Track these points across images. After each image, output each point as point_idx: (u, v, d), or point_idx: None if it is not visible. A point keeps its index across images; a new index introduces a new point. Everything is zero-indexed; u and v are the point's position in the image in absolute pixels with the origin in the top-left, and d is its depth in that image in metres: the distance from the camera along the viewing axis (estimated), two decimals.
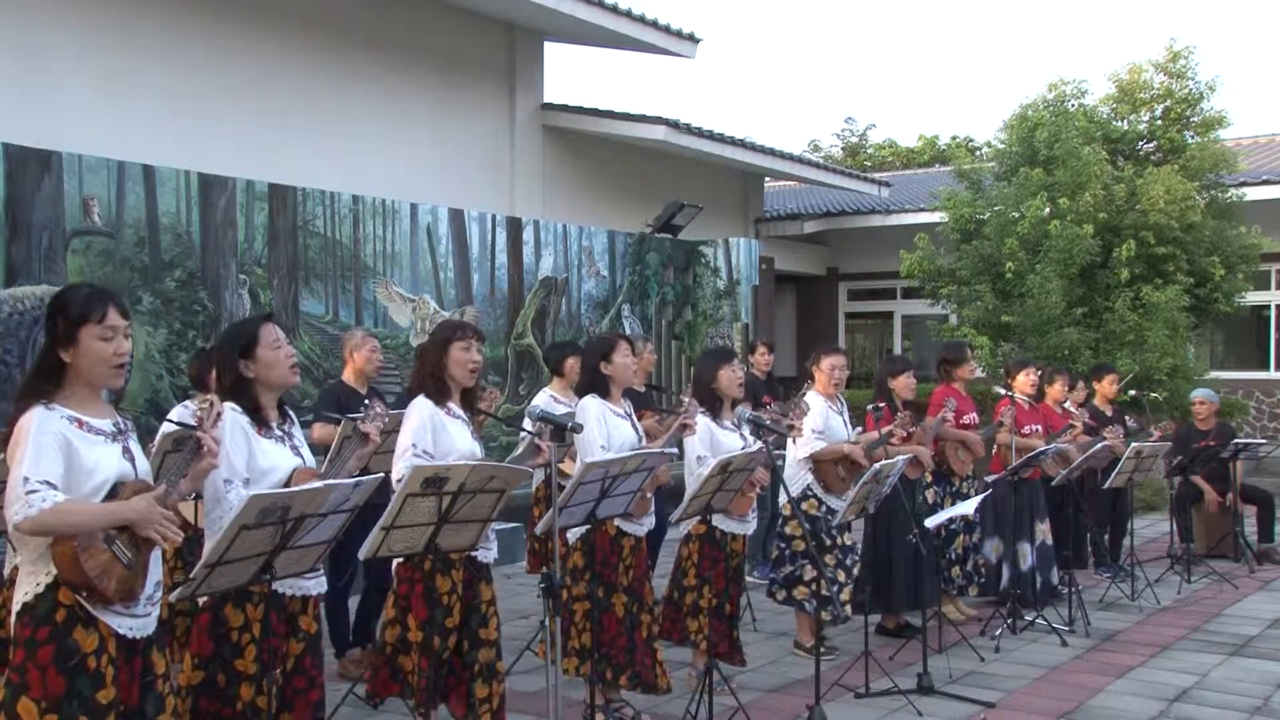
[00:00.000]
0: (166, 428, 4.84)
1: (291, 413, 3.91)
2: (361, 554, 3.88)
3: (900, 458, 6.11)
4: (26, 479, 2.91)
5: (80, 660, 2.97)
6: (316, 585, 3.79)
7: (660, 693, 5.17)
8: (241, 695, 3.55)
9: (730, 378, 5.62)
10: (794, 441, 6.22)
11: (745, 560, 5.85)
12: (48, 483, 2.92)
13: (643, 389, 7.36)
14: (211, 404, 3.33)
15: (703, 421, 5.49)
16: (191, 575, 3.08)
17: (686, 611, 5.50)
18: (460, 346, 4.41)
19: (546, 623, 4.18)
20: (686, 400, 5.34)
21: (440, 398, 4.39)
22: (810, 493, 6.32)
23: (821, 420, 6.27)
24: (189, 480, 3.24)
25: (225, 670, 3.56)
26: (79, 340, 3.07)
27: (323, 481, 3.28)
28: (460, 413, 4.45)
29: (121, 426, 3.19)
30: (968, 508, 6.35)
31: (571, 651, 5.03)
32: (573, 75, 47.39)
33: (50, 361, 3.10)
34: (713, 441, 5.48)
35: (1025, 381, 7.90)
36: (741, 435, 5.65)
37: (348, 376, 6.30)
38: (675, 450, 5.05)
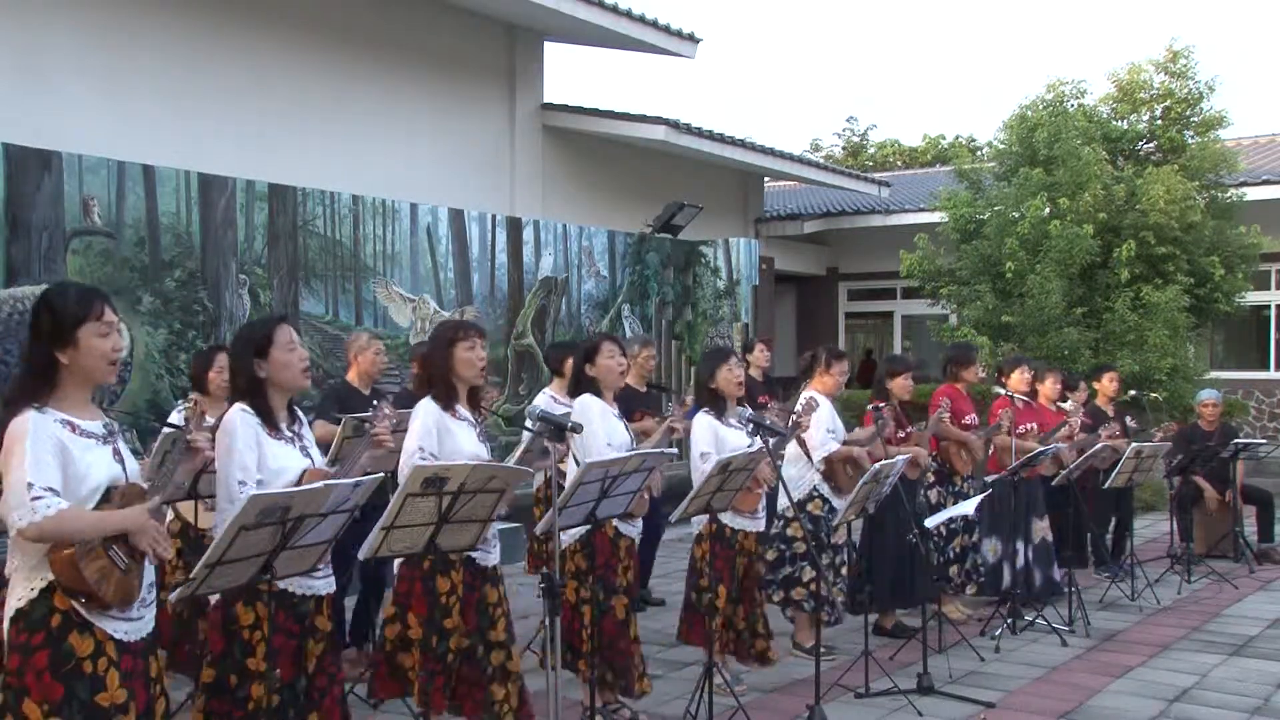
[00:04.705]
0: (167, 430, 4.88)
1: (301, 414, 3.92)
2: (361, 554, 3.87)
3: (900, 458, 6.11)
4: (31, 484, 2.88)
5: (76, 665, 2.95)
6: (325, 585, 3.79)
7: (635, 696, 5.15)
8: (252, 695, 3.56)
9: (728, 376, 5.62)
10: (799, 441, 6.19)
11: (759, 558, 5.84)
12: (51, 489, 2.90)
13: (643, 390, 7.36)
14: (196, 403, 3.39)
15: (706, 420, 5.53)
16: (191, 575, 3.08)
17: (705, 612, 5.45)
18: (465, 346, 4.39)
19: (547, 622, 4.18)
20: (676, 407, 5.38)
21: (447, 400, 4.38)
22: (817, 493, 6.33)
23: (831, 420, 6.28)
24: (181, 473, 3.31)
25: (236, 670, 3.58)
26: (79, 340, 3.05)
27: (323, 481, 3.29)
28: (467, 414, 4.43)
29: (111, 428, 3.17)
30: (968, 508, 6.35)
31: (582, 653, 5.00)
32: (573, 75, 47.41)
33: (43, 363, 3.06)
34: (717, 439, 5.48)
35: (1019, 380, 7.81)
36: (749, 433, 5.62)
37: (351, 377, 6.41)
38: (675, 450, 5.05)
